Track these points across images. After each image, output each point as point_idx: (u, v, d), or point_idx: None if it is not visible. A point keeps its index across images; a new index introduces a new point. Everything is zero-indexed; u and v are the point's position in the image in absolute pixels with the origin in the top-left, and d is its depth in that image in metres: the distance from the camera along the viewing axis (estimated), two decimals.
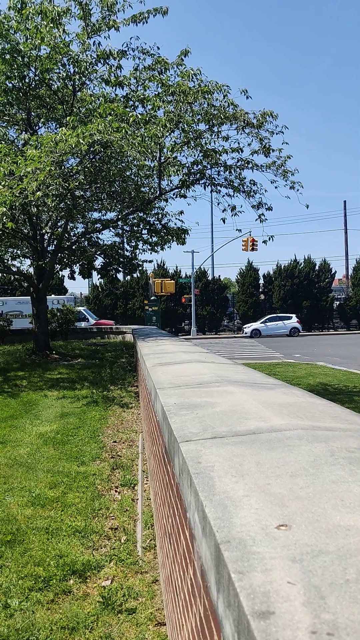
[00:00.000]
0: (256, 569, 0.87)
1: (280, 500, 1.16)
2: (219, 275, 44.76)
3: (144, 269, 27.32)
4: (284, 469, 1.39)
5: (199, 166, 12.85)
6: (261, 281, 42.86)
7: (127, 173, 13.27)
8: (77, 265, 17.93)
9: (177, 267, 42.15)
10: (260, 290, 42.92)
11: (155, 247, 16.90)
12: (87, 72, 12.32)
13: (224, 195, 13.48)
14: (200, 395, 2.79)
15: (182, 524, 1.76)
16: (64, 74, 12.68)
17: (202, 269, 41.85)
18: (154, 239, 16.59)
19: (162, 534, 2.98)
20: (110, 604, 3.15)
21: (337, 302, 44.16)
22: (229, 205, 13.59)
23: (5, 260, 16.83)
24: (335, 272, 44.01)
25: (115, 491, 5.19)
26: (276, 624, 0.72)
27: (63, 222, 15.00)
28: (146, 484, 5.16)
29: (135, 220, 16.20)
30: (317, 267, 42.81)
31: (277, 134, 11.74)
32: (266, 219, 13.37)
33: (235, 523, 1.06)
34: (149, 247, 17.06)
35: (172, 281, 35.95)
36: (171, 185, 14.19)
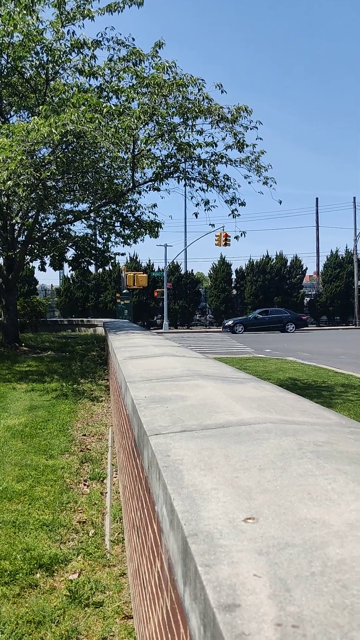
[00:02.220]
0: (223, 562, 0.86)
1: (248, 494, 1.16)
2: (192, 270, 44.89)
3: (117, 261, 27.19)
4: (252, 462, 1.40)
5: (173, 159, 12.82)
6: (233, 276, 43.05)
7: (100, 164, 13.16)
8: (48, 256, 17.73)
9: (150, 260, 42.17)
10: (233, 285, 43.11)
11: (128, 240, 16.81)
12: (60, 61, 12.15)
13: (197, 190, 13.47)
14: (171, 389, 2.79)
15: (151, 517, 1.75)
16: (37, 62, 12.49)
17: (175, 263, 41.82)
18: (127, 231, 16.49)
19: (130, 527, 2.97)
20: (77, 597, 3.13)
21: (308, 298, 44.65)
22: (202, 199, 13.59)
23: None
24: (307, 268, 44.48)
25: (84, 485, 5.17)
26: (242, 617, 0.72)
27: (34, 212, 14.81)
28: (115, 477, 5.14)
29: (108, 213, 16.07)
30: (288, 264, 43.20)
31: (251, 129, 11.77)
32: (239, 214, 13.41)
33: (202, 516, 1.06)
34: (121, 239, 16.96)
35: (145, 275, 35.85)
36: (145, 178, 14.13)
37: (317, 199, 51.19)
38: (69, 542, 3.93)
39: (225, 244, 33.73)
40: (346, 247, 45.45)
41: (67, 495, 4.80)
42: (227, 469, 1.35)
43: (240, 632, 0.70)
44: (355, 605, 0.73)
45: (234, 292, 43.13)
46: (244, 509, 1.08)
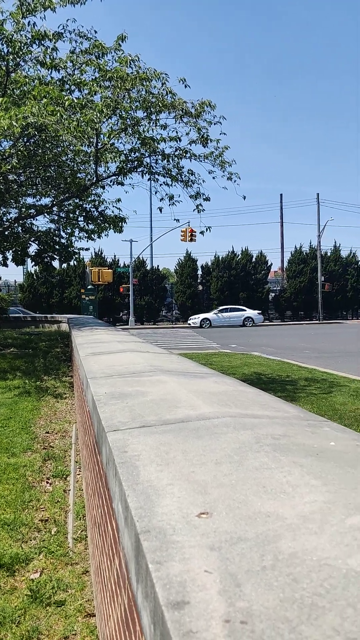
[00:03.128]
0: (174, 559, 0.85)
1: (204, 488, 1.15)
2: (158, 266, 44.86)
3: (81, 257, 26.83)
4: (209, 457, 1.39)
5: (137, 154, 12.73)
6: (199, 272, 43.20)
7: (63, 158, 12.97)
8: (10, 251, 17.40)
9: (115, 256, 41.87)
10: (199, 281, 43.28)
11: (92, 235, 16.61)
12: (21, 52, 11.89)
13: (162, 184, 13.41)
14: (132, 384, 2.76)
15: (110, 514, 1.73)
16: None
17: (141, 259, 41.69)
18: (91, 226, 16.29)
19: (92, 524, 2.94)
20: (39, 597, 3.09)
21: (273, 294, 45.19)
22: (166, 194, 13.52)
23: None
24: (272, 264, 45.03)
25: (47, 482, 5.10)
26: (190, 614, 0.71)
27: None
28: (79, 474, 5.09)
29: (71, 207, 15.85)
30: (253, 259, 43.61)
31: (215, 124, 11.78)
32: (204, 210, 13.40)
33: (156, 512, 1.04)
34: (85, 234, 16.74)
35: (110, 270, 35.62)
36: (108, 172, 13.99)
37: (281, 195, 51.80)
38: (30, 541, 3.87)
39: (191, 240, 33.78)
40: (310, 243, 46.13)
41: (29, 494, 4.73)
42: (184, 464, 1.34)
43: (188, 630, 0.68)
44: (305, 599, 0.72)
45: (200, 287, 43.31)
46: (199, 504, 1.06)
